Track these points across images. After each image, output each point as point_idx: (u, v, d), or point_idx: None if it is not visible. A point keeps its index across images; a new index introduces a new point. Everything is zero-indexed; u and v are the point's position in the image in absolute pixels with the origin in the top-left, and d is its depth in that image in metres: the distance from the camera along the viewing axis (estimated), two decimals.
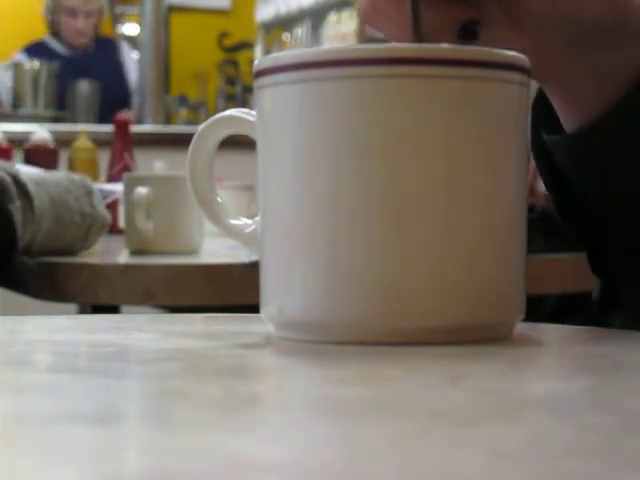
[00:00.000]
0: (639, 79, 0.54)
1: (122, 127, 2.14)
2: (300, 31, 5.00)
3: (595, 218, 0.58)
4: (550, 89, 0.57)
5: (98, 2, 4.21)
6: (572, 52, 0.53)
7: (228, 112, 0.51)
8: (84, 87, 3.92)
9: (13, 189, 1.20)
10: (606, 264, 0.60)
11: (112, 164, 2.11)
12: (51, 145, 2.19)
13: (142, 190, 1.33)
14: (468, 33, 0.52)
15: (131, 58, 4.44)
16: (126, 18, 4.56)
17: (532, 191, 1.31)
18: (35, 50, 4.39)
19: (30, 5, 4.93)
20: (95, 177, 2.08)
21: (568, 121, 0.56)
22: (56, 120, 3.77)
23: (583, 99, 0.55)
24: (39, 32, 4.53)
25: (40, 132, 2.22)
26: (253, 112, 0.49)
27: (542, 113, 0.58)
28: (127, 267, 1.21)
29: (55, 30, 4.41)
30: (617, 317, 0.59)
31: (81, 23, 4.21)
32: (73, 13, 4.22)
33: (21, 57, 4.36)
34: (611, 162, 0.56)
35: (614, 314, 0.59)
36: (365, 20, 0.54)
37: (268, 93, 0.47)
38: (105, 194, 1.68)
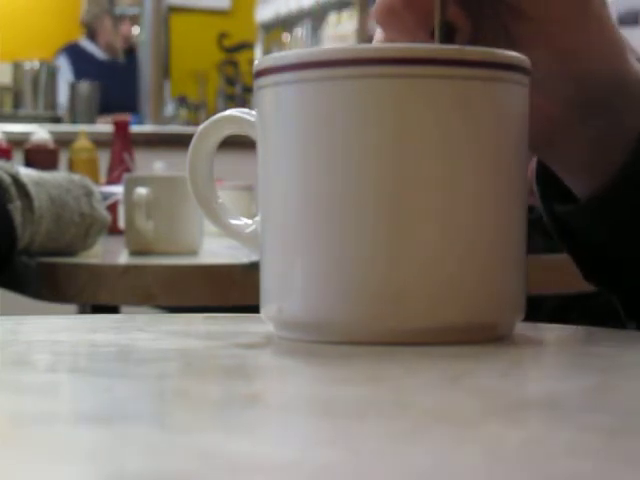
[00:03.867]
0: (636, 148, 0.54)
1: (122, 128, 2.14)
2: (300, 31, 5.01)
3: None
4: (546, 158, 0.57)
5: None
6: (572, 118, 0.54)
7: (228, 112, 0.51)
8: (84, 87, 3.92)
9: (13, 189, 1.20)
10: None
11: (112, 165, 2.11)
12: (51, 145, 2.19)
13: (142, 190, 1.33)
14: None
15: None
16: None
17: (532, 191, 1.30)
18: (72, 52, 4.43)
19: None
20: (95, 177, 2.08)
21: (577, 187, 0.57)
22: (56, 121, 3.77)
23: (580, 168, 0.56)
24: (70, 33, 4.59)
25: (40, 132, 2.22)
26: (253, 112, 0.49)
27: (546, 183, 0.59)
28: (127, 267, 1.21)
29: (92, 33, 4.46)
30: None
31: (127, 28, 4.27)
32: (120, 18, 4.27)
33: (61, 59, 4.40)
34: (626, 226, 0.56)
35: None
36: (380, 23, 0.53)
37: (268, 93, 0.47)
38: (105, 196, 1.68)
